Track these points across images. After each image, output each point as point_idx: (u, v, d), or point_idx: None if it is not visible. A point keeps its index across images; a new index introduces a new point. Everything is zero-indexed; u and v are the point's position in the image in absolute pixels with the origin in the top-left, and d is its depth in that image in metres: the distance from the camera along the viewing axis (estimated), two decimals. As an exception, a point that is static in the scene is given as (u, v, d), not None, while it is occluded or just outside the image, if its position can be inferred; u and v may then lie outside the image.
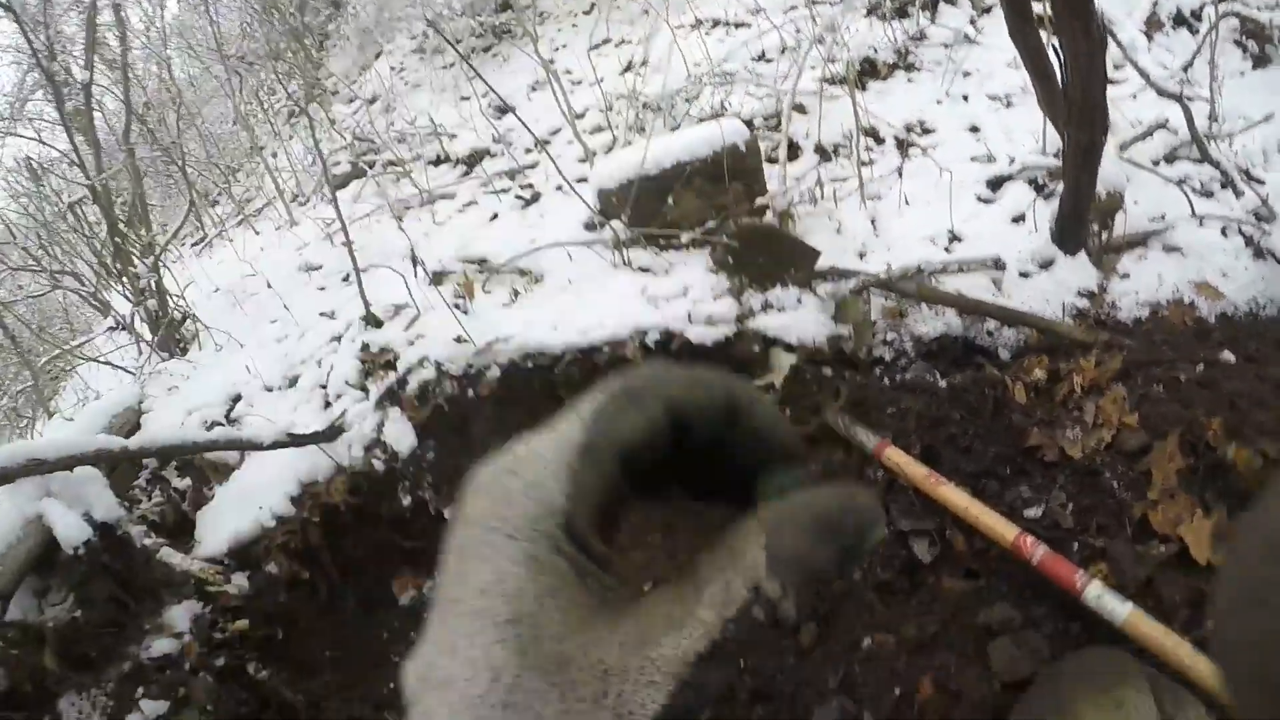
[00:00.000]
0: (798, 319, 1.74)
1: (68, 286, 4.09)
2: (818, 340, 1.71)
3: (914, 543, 1.36)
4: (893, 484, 1.43)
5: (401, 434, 1.85)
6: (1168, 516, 1.46)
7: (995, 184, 2.42)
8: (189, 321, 3.06)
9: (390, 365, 1.97)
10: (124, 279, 3.18)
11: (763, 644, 1.34)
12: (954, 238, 2.22)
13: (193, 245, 4.74)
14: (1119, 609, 1.24)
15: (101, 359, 3.52)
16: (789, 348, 1.69)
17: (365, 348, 2.08)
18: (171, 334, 3.05)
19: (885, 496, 1.42)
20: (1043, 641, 1.29)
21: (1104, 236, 2.24)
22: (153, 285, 3.06)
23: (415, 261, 1.88)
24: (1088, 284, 2.06)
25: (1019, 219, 2.23)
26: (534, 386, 1.78)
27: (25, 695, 1.51)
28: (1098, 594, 1.26)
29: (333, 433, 1.92)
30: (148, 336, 3.01)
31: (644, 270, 1.96)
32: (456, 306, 1.99)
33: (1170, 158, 2.40)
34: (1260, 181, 2.21)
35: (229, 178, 5.12)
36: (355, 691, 1.76)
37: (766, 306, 1.78)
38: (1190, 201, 2.13)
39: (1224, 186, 2.28)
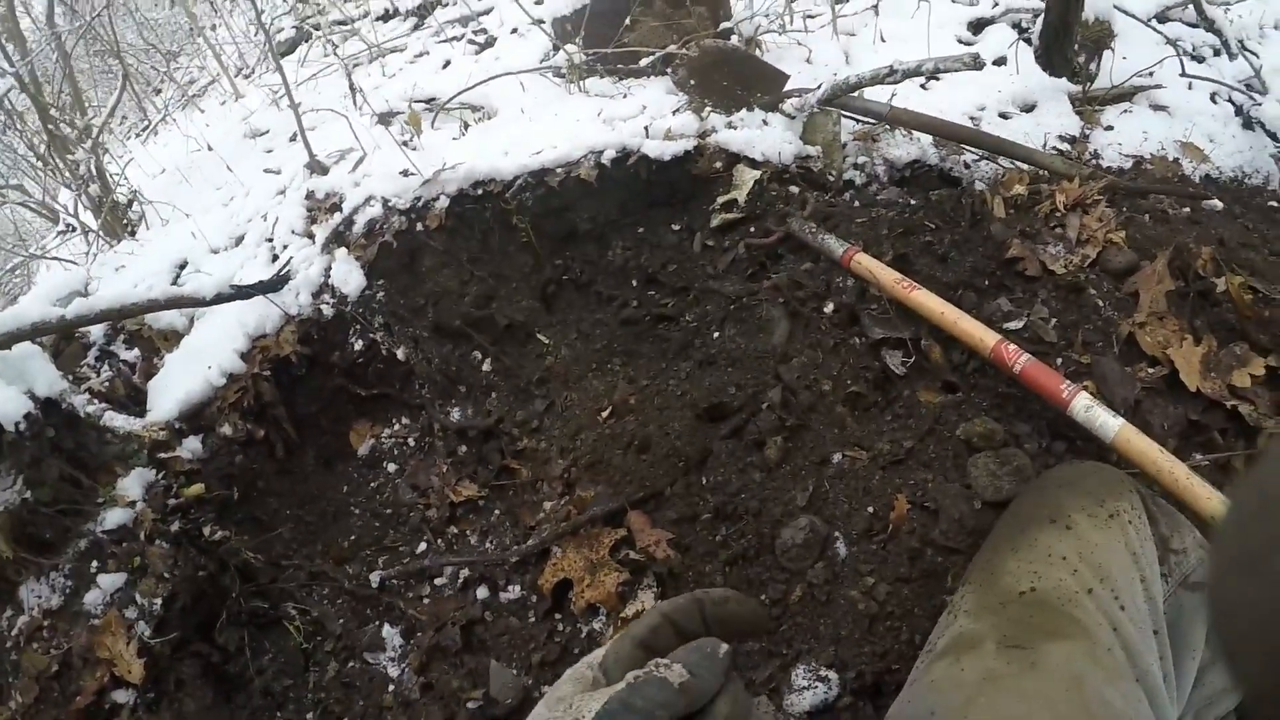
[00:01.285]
0: (763, 136, 1.61)
1: (13, 200, 3.89)
2: (784, 158, 1.59)
3: (886, 354, 1.28)
4: (863, 292, 1.33)
5: (349, 275, 1.74)
6: (1156, 339, 1.39)
7: (977, 26, 2.37)
8: (135, 204, 2.90)
9: (336, 208, 1.85)
10: (62, 169, 2.99)
11: (726, 460, 1.27)
12: (931, 77, 2.14)
13: (136, 136, 4.53)
14: (1110, 423, 1.14)
15: (49, 256, 3.37)
16: (753, 164, 1.57)
17: (310, 195, 1.95)
18: (118, 218, 2.88)
19: (856, 305, 1.33)
20: (1026, 460, 1.21)
21: (1092, 68, 2.14)
22: (93, 169, 2.88)
23: (354, 89, 1.74)
24: (1070, 129, 2.00)
25: (1000, 61, 2.15)
26: (485, 214, 1.66)
27: (-16, 590, 1.44)
28: (1086, 405, 1.16)
29: (278, 281, 1.81)
30: (93, 225, 2.85)
31: (601, 96, 1.83)
32: (405, 144, 1.86)
33: (1163, 17, 2.30)
34: (1254, 54, 2.13)
35: (169, 62, 4.85)
36: (315, 547, 1.71)
37: (730, 126, 1.66)
38: (1182, 62, 2.05)
39: (1216, 54, 2.20)
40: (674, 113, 1.69)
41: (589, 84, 1.92)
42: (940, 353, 1.28)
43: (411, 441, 1.70)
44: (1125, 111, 2.01)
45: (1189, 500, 1.07)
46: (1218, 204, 1.79)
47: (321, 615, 1.60)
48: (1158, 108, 2.00)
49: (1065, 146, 1.89)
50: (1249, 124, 1.99)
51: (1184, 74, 2.05)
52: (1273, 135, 2.00)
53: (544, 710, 0.53)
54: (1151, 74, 2.05)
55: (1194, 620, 0.91)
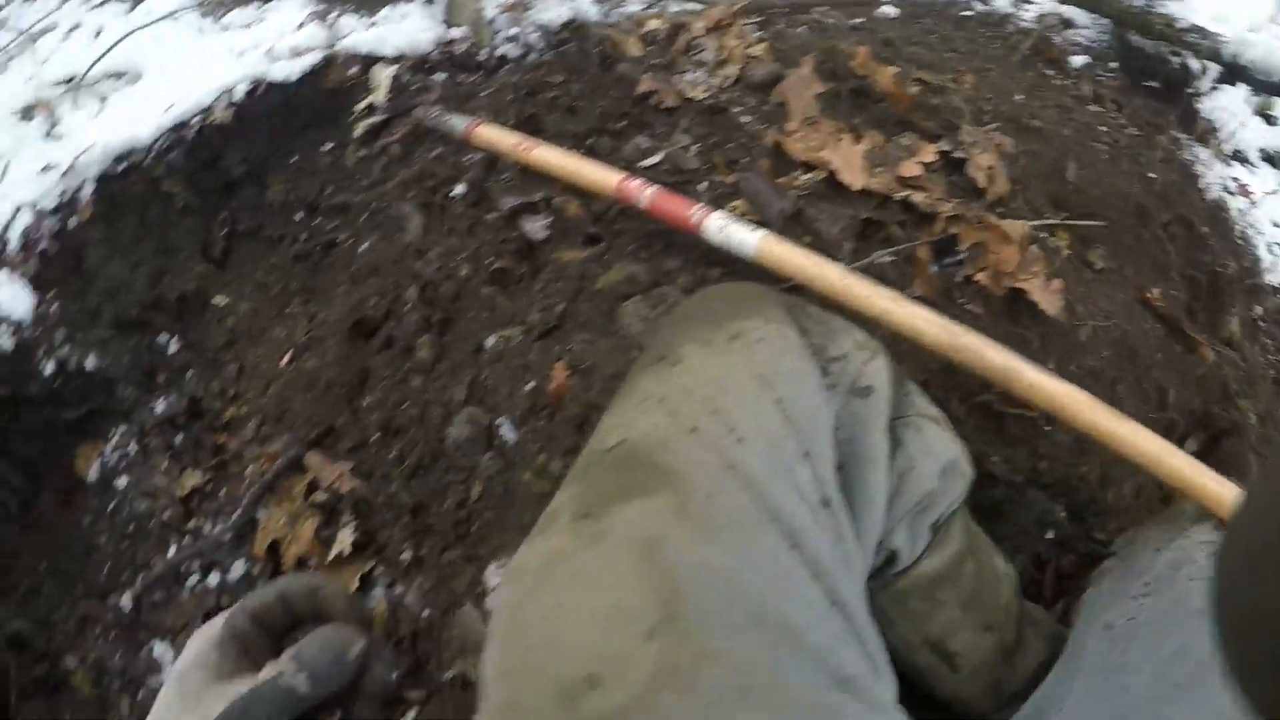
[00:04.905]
0: (399, 29, 1.51)
1: None
2: (423, 46, 1.50)
3: (525, 222, 1.21)
4: (492, 165, 1.26)
5: (16, 296, 1.60)
6: (809, 144, 1.32)
7: None
8: None
9: (-13, 230, 1.69)
10: None
11: (386, 375, 1.21)
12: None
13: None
14: (748, 239, 1.07)
15: None
16: (390, 61, 1.47)
17: (-42, 229, 1.78)
18: None
19: (485, 181, 1.26)
20: (680, 295, 1.14)
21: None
22: None
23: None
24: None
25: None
26: (134, 189, 1.55)
27: None
28: (720, 226, 1.09)
29: None
30: None
31: (239, 28, 1.69)
32: (47, 135, 1.70)
33: None
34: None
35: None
36: (77, 590, 1.62)
37: (373, 25, 1.54)
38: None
39: None
40: (299, 27, 1.56)
41: (230, 17, 1.76)
42: (578, 206, 1.22)
43: (133, 448, 1.60)
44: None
45: (849, 301, 1.03)
46: (891, 10, 1.73)
47: (100, 656, 1.53)
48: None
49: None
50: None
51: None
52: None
53: (176, 698, 0.55)
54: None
55: (871, 428, 0.82)
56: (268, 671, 0.54)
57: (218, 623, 0.59)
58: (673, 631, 0.59)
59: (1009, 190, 1.41)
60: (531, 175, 1.23)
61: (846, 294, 1.06)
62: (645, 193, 1.14)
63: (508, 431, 1.12)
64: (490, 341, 1.17)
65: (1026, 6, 1.86)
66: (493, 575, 1.08)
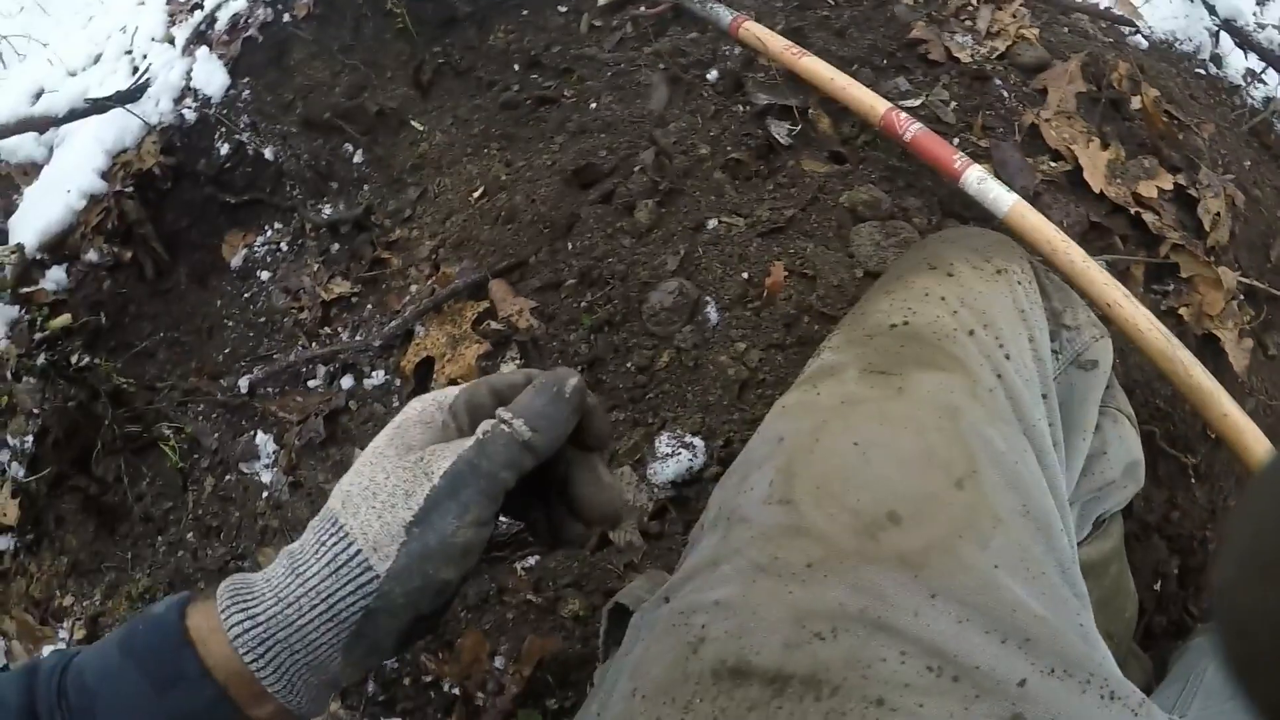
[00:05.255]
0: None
1: None
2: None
3: (771, 123, 1.20)
4: (751, 61, 1.24)
5: (211, 75, 1.61)
6: (1062, 135, 1.34)
7: None
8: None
9: (198, 6, 1.70)
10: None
11: (594, 225, 1.20)
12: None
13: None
14: (1003, 197, 1.08)
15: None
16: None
17: (171, -1, 1.80)
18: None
19: (741, 73, 1.24)
20: (914, 234, 1.14)
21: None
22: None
23: None
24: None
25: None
26: (358, 1, 1.54)
27: None
28: (979, 178, 1.09)
29: (136, 90, 1.68)
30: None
31: None
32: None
33: None
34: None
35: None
36: (189, 365, 1.63)
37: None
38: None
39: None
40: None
41: None
42: (829, 123, 1.21)
43: (284, 246, 1.60)
44: (1066, -46, 1.93)
45: (1083, 285, 1.03)
46: (1143, 41, 1.72)
47: (196, 431, 1.53)
48: (1100, -47, 1.94)
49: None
50: (1187, -8, 1.91)
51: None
52: (1210, 8, 1.93)
53: (391, 452, 0.51)
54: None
55: (1085, 401, 0.83)
56: (485, 426, 0.51)
57: (449, 391, 0.57)
58: (977, 488, 0.60)
59: (1226, 241, 1.40)
60: (791, 81, 1.22)
61: (1084, 275, 1.06)
62: (911, 127, 1.13)
63: (712, 312, 1.11)
64: (712, 224, 1.16)
65: (1258, 85, 1.82)
66: (663, 443, 1.06)
